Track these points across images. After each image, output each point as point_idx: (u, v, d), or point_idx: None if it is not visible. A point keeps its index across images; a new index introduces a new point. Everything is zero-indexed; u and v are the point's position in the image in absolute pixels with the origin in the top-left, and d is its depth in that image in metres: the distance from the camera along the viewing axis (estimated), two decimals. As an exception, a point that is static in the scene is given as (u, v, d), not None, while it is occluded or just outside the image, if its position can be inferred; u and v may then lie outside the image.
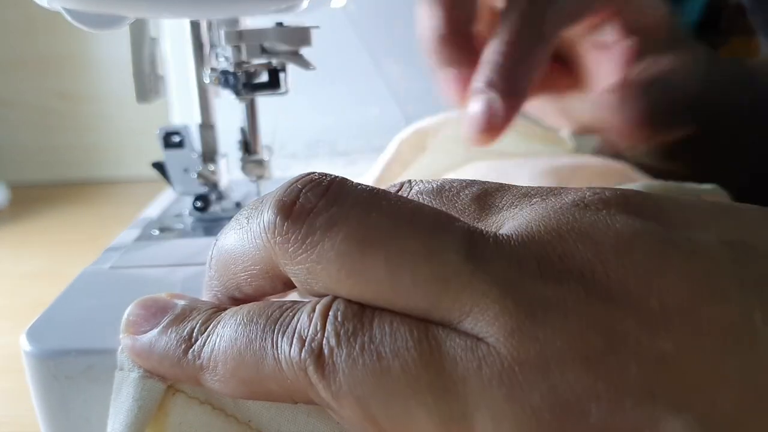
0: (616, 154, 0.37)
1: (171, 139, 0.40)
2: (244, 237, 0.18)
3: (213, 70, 0.38)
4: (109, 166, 0.87)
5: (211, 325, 0.18)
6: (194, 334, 0.18)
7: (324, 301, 0.16)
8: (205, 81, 0.39)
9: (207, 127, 0.41)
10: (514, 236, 0.16)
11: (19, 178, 0.84)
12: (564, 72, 0.40)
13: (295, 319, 0.16)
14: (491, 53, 0.33)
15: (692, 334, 0.14)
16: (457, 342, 0.15)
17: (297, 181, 0.17)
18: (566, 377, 0.14)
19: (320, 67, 0.37)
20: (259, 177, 0.40)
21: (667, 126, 0.36)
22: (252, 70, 0.37)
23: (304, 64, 0.36)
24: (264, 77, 0.38)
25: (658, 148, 0.38)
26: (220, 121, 0.41)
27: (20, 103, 0.86)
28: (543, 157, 0.37)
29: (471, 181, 0.19)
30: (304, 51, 0.36)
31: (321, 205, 0.16)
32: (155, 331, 0.19)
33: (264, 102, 0.39)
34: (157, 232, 0.39)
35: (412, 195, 0.19)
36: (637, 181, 0.31)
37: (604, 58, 0.38)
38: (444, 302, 0.15)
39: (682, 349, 0.14)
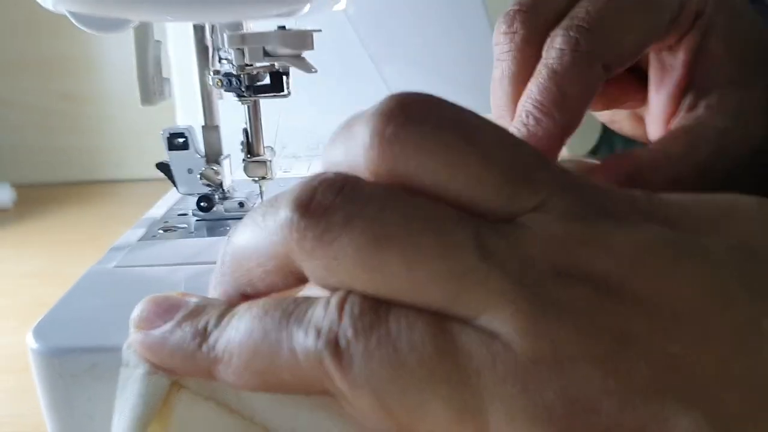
0: None
1: (175, 141, 0.40)
2: (260, 234, 0.18)
3: (216, 72, 0.39)
4: (112, 167, 0.88)
5: (226, 319, 0.18)
6: (209, 328, 0.18)
7: (339, 294, 0.16)
8: (208, 83, 0.40)
9: (211, 128, 0.41)
10: (530, 236, 0.16)
11: (23, 179, 0.84)
12: (638, 85, 0.35)
13: (311, 311, 0.16)
14: (523, 107, 0.29)
15: (701, 337, 0.15)
16: (472, 337, 0.15)
17: (313, 179, 0.17)
18: (579, 375, 0.14)
19: (322, 69, 0.37)
20: (262, 177, 0.40)
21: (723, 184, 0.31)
22: (255, 72, 0.37)
23: (306, 67, 0.36)
24: (266, 80, 0.38)
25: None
26: (224, 123, 0.42)
27: (25, 105, 0.86)
28: None
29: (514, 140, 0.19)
30: (306, 54, 0.36)
31: (338, 202, 0.17)
32: (168, 325, 0.19)
33: (266, 103, 0.40)
34: (161, 232, 0.39)
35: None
36: None
37: (664, 82, 0.33)
38: (460, 298, 0.15)
39: (691, 350, 0.15)
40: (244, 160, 0.40)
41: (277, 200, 0.18)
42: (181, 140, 0.40)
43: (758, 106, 0.31)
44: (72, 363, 0.25)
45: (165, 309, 0.19)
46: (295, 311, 0.17)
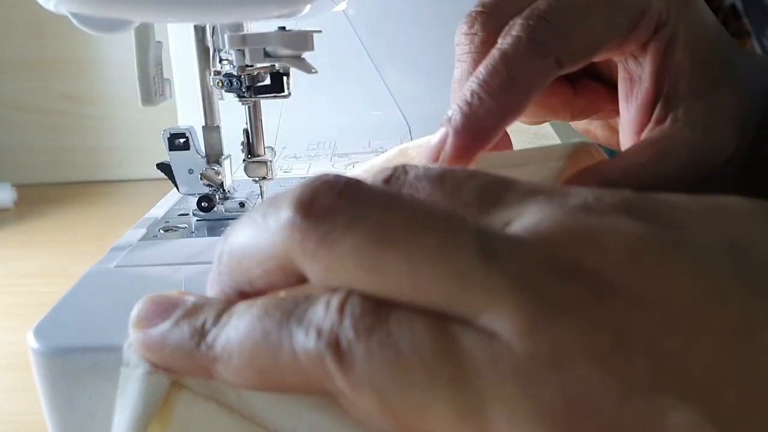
0: None
1: (176, 141, 0.40)
2: (261, 233, 0.18)
3: (217, 73, 0.39)
4: (113, 167, 0.88)
5: (225, 317, 0.18)
6: (207, 326, 0.18)
7: (340, 295, 0.16)
8: (209, 84, 0.40)
9: (211, 128, 0.41)
10: (526, 236, 0.16)
11: (24, 179, 0.84)
12: (610, 96, 0.35)
13: (311, 311, 0.17)
14: (469, 85, 0.29)
15: (696, 332, 0.15)
16: (472, 337, 0.15)
17: (315, 180, 0.18)
18: (578, 372, 0.14)
19: (322, 71, 0.37)
20: (262, 178, 0.40)
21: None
22: (255, 73, 0.38)
23: (307, 67, 0.36)
24: (267, 80, 0.38)
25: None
26: (224, 123, 0.42)
27: (27, 105, 0.86)
28: None
29: (472, 172, 0.19)
30: (306, 55, 0.37)
31: (340, 204, 0.17)
32: (167, 324, 0.19)
33: (266, 104, 0.40)
34: (161, 232, 0.39)
35: (409, 181, 0.19)
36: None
37: (633, 93, 0.32)
38: (461, 298, 0.15)
39: (686, 346, 0.15)
40: (244, 160, 0.40)
41: (277, 201, 0.18)
42: (181, 140, 0.40)
43: (727, 114, 0.31)
44: (73, 362, 0.25)
45: (163, 308, 0.20)
46: (295, 311, 0.17)
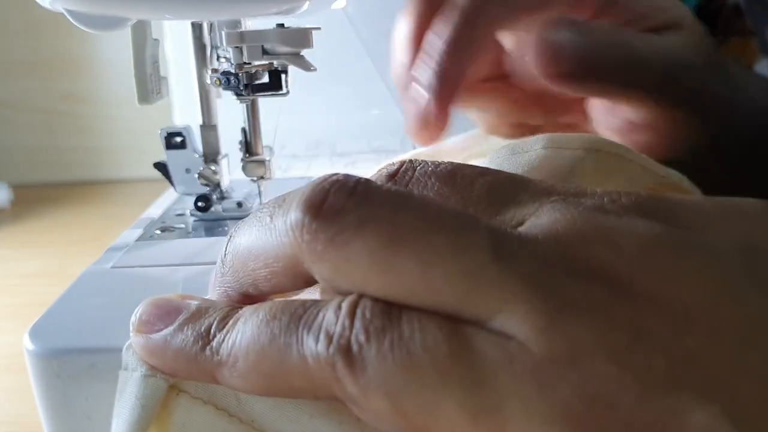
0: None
1: (173, 140, 0.40)
2: (267, 234, 0.18)
3: (214, 71, 0.38)
4: (110, 167, 0.88)
5: (231, 322, 0.18)
6: (212, 331, 0.18)
7: (350, 298, 0.16)
8: (206, 82, 0.39)
9: (209, 127, 0.41)
10: (540, 236, 0.16)
11: (21, 179, 0.84)
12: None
13: (321, 315, 0.16)
14: (429, 49, 0.30)
15: (713, 332, 0.15)
16: (486, 339, 0.15)
17: (324, 180, 0.17)
18: (595, 371, 0.14)
19: (321, 69, 0.37)
20: (260, 177, 0.40)
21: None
22: (253, 71, 0.37)
23: (305, 65, 0.36)
24: (265, 78, 0.38)
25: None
26: (222, 122, 0.41)
27: (22, 105, 0.86)
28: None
29: (484, 169, 0.19)
30: (305, 52, 0.36)
31: (350, 204, 0.16)
32: (170, 328, 0.19)
33: (265, 102, 0.40)
34: (158, 232, 0.39)
35: (417, 176, 0.19)
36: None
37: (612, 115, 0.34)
38: (473, 299, 0.15)
39: (704, 345, 0.15)
40: (242, 159, 0.40)
41: (285, 201, 0.18)
42: (178, 139, 0.40)
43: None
44: (69, 363, 0.25)
45: (166, 312, 0.19)
46: (304, 315, 0.17)
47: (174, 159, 0.40)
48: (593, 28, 0.31)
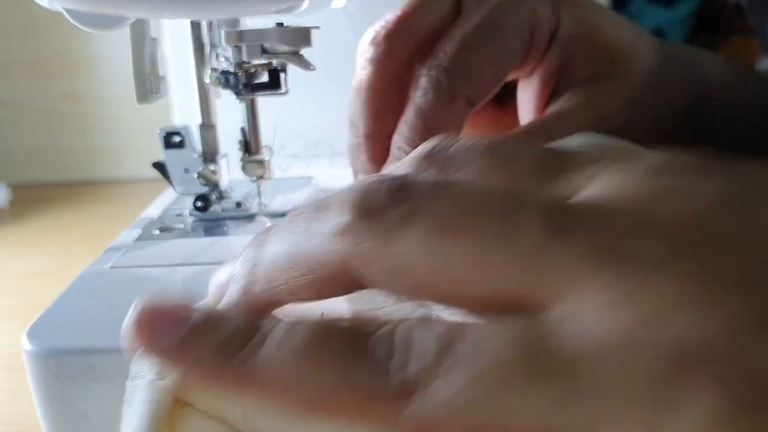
0: None
1: (172, 140, 0.40)
2: (308, 241, 0.17)
3: (213, 70, 0.38)
4: (109, 167, 0.88)
5: (259, 337, 0.17)
6: (242, 343, 0.17)
7: (404, 327, 0.15)
8: (205, 81, 0.39)
9: (208, 127, 0.41)
10: (597, 204, 0.16)
11: (20, 179, 0.84)
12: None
13: (380, 348, 0.15)
14: (394, 142, 0.32)
15: None
16: (557, 322, 0.14)
17: (361, 183, 0.17)
18: (681, 326, 0.14)
19: (320, 68, 0.37)
20: (260, 177, 0.40)
21: None
22: (252, 70, 0.37)
23: (305, 64, 0.36)
24: (264, 77, 0.38)
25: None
26: (221, 121, 0.41)
27: (21, 104, 0.86)
28: None
29: (521, 142, 0.19)
30: (305, 51, 0.36)
31: (391, 201, 0.16)
32: (188, 335, 0.17)
33: (264, 102, 0.39)
34: (157, 232, 0.39)
35: (453, 155, 0.19)
36: None
37: (524, 98, 0.35)
38: (536, 283, 0.15)
39: None
40: (241, 159, 0.40)
41: (324, 206, 0.17)
42: (177, 139, 0.40)
43: (616, 93, 0.34)
44: (68, 364, 0.25)
45: (172, 319, 0.18)
46: (357, 346, 0.16)
47: (173, 159, 0.40)
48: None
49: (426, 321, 0.15)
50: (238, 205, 0.41)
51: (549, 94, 0.34)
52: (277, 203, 0.41)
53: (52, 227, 0.71)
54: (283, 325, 0.17)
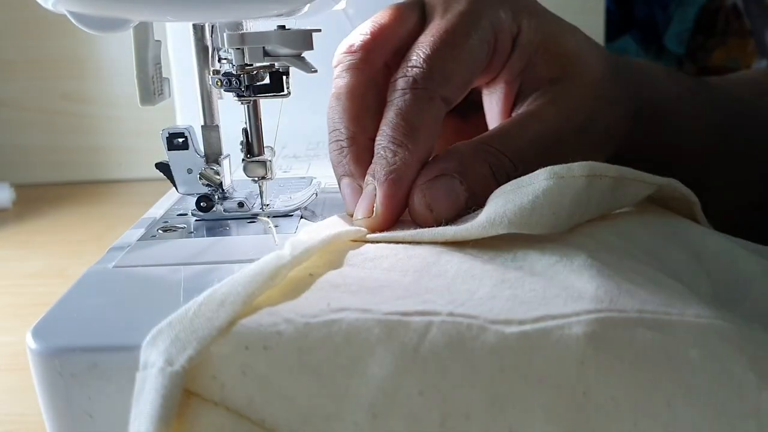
0: None
1: (175, 141, 0.40)
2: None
3: (216, 72, 0.39)
4: (112, 167, 0.88)
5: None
6: None
7: None
8: (208, 83, 0.40)
9: (210, 128, 0.41)
10: None
11: (23, 179, 0.84)
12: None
13: None
14: (378, 142, 0.33)
15: None
16: None
17: None
18: None
19: (321, 70, 0.37)
20: (262, 177, 0.40)
21: None
22: (254, 72, 0.37)
23: (306, 67, 0.36)
24: (266, 80, 0.38)
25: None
26: (224, 123, 0.42)
27: (26, 105, 0.86)
28: None
29: None
30: (306, 54, 0.36)
31: None
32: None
33: (266, 103, 0.40)
34: (160, 232, 0.39)
35: None
36: None
37: (491, 105, 0.38)
38: None
39: None
40: (243, 160, 0.40)
41: None
42: (180, 140, 0.40)
43: (575, 93, 0.36)
44: (72, 362, 0.25)
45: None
46: None
47: (176, 159, 0.40)
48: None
49: None
50: (241, 205, 0.41)
51: (514, 96, 0.37)
52: (279, 203, 0.42)
53: (55, 227, 0.71)
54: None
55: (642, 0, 0.83)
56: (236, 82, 0.37)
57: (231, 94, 0.38)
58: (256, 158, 0.40)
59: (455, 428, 0.18)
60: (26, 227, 0.71)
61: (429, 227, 0.30)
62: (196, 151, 0.40)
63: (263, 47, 0.36)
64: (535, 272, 0.25)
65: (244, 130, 0.40)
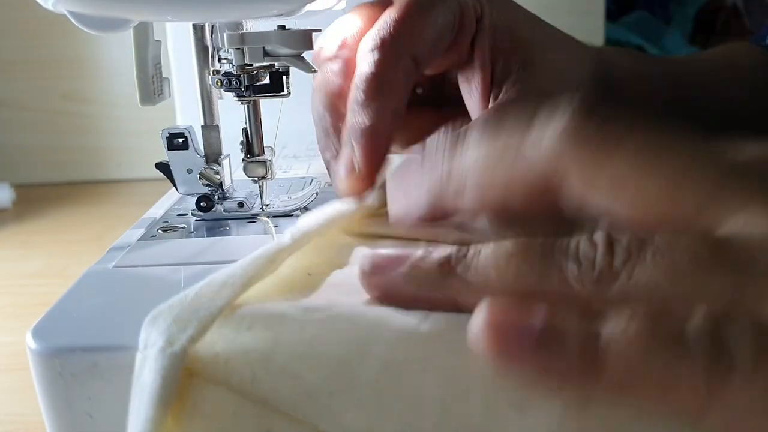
0: None
1: (175, 141, 0.40)
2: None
3: (216, 72, 0.39)
4: (112, 167, 0.88)
5: (472, 251, 0.20)
6: (453, 260, 0.21)
7: (599, 234, 0.19)
8: (208, 83, 0.40)
9: (210, 128, 0.41)
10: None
11: (23, 179, 0.84)
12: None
13: (574, 245, 0.19)
14: (355, 87, 0.33)
15: None
16: (732, 229, 0.18)
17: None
18: None
19: (322, 70, 0.37)
20: (262, 177, 0.40)
21: None
22: (254, 72, 0.37)
23: (306, 66, 0.36)
24: (266, 80, 0.38)
25: None
26: (224, 123, 0.42)
27: (26, 105, 0.86)
28: None
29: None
30: (306, 54, 0.36)
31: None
32: (407, 266, 0.21)
33: (266, 103, 0.40)
34: (160, 232, 0.39)
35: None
36: None
37: (469, 93, 0.38)
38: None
39: None
40: (243, 160, 0.40)
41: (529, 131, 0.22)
42: (180, 140, 0.40)
43: (553, 75, 0.36)
44: (72, 362, 0.25)
45: (396, 259, 0.22)
46: (556, 247, 0.19)
47: (176, 159, 0.40)
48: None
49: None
50: (240, 205, 0.41)
51: (489, 84, 0.37)
52: (278, 203, 0.42)
53: (55, 227, 0.71)
54: (482, 245, 0.21)
55: (642, 0, 0.83)
56: (236, 82, 0.37)
57: (231, 94, 0.38)
58: (256, 158, 0.40)
59: (457, 404, 0.18)
60: (26, 227, 0.71)
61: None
62: (196, 151, 0.40)
63: (263, 47, 0.36)
64: None
65: (244, 130, 0.40)
